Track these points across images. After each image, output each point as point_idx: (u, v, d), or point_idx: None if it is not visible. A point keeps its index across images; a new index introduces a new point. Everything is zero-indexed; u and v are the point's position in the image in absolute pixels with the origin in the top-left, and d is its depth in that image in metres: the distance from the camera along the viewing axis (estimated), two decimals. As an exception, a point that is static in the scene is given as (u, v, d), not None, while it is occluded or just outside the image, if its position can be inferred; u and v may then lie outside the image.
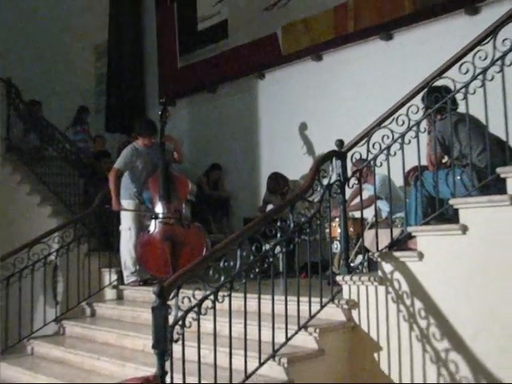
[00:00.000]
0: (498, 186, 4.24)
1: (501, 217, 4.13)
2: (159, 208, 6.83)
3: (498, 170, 4.20)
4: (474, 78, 4.32)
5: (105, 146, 9.91)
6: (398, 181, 5.59)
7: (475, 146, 4.63)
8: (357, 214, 5.51)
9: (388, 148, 4.74)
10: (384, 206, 6.08)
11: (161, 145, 6.99)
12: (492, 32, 4.28)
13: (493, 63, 4.25)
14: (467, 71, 4.33)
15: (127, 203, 6.84)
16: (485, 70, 4.28)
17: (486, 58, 4.26)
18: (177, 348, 3.70)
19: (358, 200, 5.23)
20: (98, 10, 11.33)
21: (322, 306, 4.71)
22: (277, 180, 7.94)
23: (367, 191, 5.58)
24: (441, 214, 4.61)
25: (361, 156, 4.92)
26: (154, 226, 6.82)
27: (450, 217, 4.55)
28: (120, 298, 6.99)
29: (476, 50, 4.32)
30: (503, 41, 4.20)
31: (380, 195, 5.83)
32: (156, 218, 6.77)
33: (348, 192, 5.03)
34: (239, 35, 9.17)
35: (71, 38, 11.58)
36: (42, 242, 6.61)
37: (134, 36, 11.11)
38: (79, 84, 11.73)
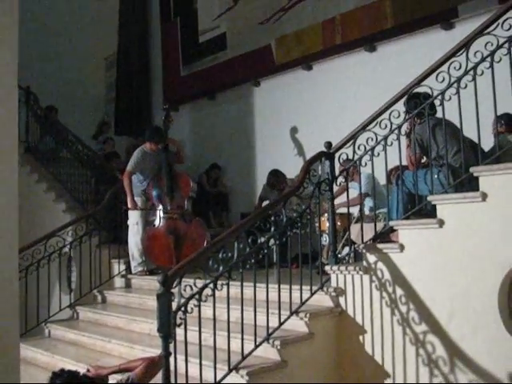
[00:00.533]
0: (472, 184, 4.25)
1: (474, 211, 4.14)
2: (164, 204, 6.83)
3: (472, 169, 4.20)
4: (450, 86, 4.33)
5: (114, 148, 9.88)
6: (381, 179, 5.60)
7: (451, 148, 4.63)
8: (344, 210, 5.50)
9: (372, 149, 4.74)
10: (368, 202, 6.08)
11: (164, 147, 6.99)
12: (465, 45, 4.28)
13: (466, 73, 4.25)
14: (443, 80, 4.34)
15: (135, 200, 6.82)
16: (459, 79, 4.29)
17: (460, 68, 4.26)
18: (179, 332, 3.71)
19: (344, 198, 5.22)
20: (108, 24, 11.30)
21: (312, 294, 4.71)
22: (277, 176, 7.91)
23: (354, 190, 5.56)
24: (420, 209, 4.61)
25: (347, 156, 4.93)
26: (159, 221, 6.83)
27: (428, 212, 4.55)
28: (128, 286, 6.98)
29: (451, 60, 4.33)
30: (475, 53, 4.21)
31: (367, 192, 5.83)
32: (164, 212, 6.78)
33: (336, 189, 5.02)
34: (237, 47, 9.14)
35: (84, 51, 11.53)
36: (57, 236, 6.62)
37: (141, 48, 11.08)
38: (91, 92, 11.71)
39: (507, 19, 4.06)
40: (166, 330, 3.62)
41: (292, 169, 7.73)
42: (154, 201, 6.88)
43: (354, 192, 5.52)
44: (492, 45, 4.14)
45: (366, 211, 5.95)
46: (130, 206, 6.77)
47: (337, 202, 5.26)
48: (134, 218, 6.86)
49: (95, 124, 10.97)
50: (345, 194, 5.12)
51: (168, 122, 7.17)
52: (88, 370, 3.69)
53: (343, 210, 5.58)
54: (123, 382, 3.46)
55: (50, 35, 11.13)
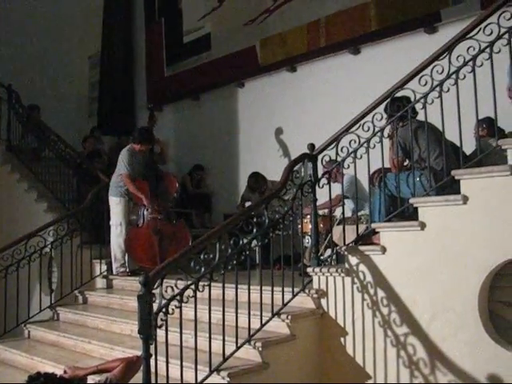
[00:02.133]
0: (453, 187, 4.27)
1: (455, 214, 4.16)
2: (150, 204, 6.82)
3: (453, 172, 4.23)
4: (432, 89, 4.35)
5: (95, 146, 9.78)
6: (364, 181, 5.61)
7: (433, 151, 4.66)
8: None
9: (355, 152, 4.76)
10: (350, 204, 6.09)
11: (150, 147, 6.98)
12: (448, 49, 4.31)
13: (448, 76, 4.28)
14: (426, 83, 4.36)
15: (118, 200, 6.79)
16: (441, 83, 4.31)
17: (442, 72, 4.29)
18: (161, 333, 3.69)
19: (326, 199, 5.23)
20: (92, 23, 11.25)
21: (294, 295, 4.71)
22: (257, 179, 7.94)
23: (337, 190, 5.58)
24: (402, 211, 4.63)
25: (330, 158, 4.93)
26: (143, 221, 6.80)
27: (410, 214, 4.57)
28: (109, 286, 6.93)
29: (434, 64, 4.35)
30: (457, 57, 4.24)
31: (347, 194, 5.83)
32: (148, 213, 6.78)
33: (318, 191, 5.02)
34: (221, 47, 9.14)
35: (68, 49, 11.49)
36: (38, 235, 6.54)
37: (125, 47, 11.04)
38: (74, 90, 11.67)
39: (489, 24, 4.09)
40: (147, 331, 3.59)
41: (275, 170, 7.67)
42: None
43: (336, 194, 5.54)
44: (474, 49, 4.17)
45: (348, 213, 5.96)
46: (149, 206, 6.71)
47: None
48: (117, 219, 6.81)
49: (78, 123, 10.92)
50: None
51: (152, 122, 7.15)
52: (65, 372, 3.66)
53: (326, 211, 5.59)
54: (101, 383, 3.44)
55: (33, 33, 11.06)
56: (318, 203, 5.05)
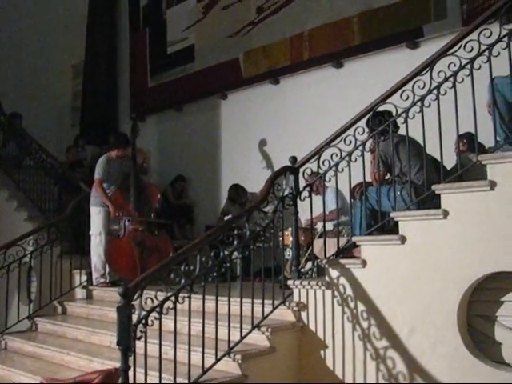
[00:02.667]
0: (434, 201, 4.30)
1: (435, 228, 4.19)
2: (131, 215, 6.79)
3: (433, 186, 4.26)
4: (414, 104, 4.40)
5: (78, 156, 9.73)
6: (346, 195, 5.63)
7: (413, 165, 4.70)
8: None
9: (336, 165, 4.78)
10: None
11: (132, 157, 6.95)
12: (429, 64, 4.36)
13: (430, 92, 4.33)
14: (407, 98, 4.40)
15: (98, 210, 6.76)
16: (423, 98, 4.36)
17: (424, 87, 4.33)
18: (140, 344, 3.65)
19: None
20: (75, 32, 11.20)
21: (274, 308, 4.70)
22: (237, 190, 7.98)
23: (329, 203, 5.58)
24: (382, 225, 4.66)
25: (312, 171, 4.95)
26: (124, 232, 6.76)
27: (391, 228, 4.60)
28: (89, 297, 6.87)
29: (415, 79, 4.40)
30: (438, 73, 4.29)
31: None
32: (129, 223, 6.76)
33: (300, 204, 5.03)
34: (204, 59, 9.16)
35: (51, 58, 11.45)
36: (17, 245, 6.47)
37: (109, 57, 11.00)
38: (57, 99, 11.60)
39: (469, 41, 4.14)
40: (126, 342, 3.56)
41: (258, 182, 7.71)
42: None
43: (329, 205, 5.54)
44: (455, 65, 4.22)
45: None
46: (112, 214, 6.69)
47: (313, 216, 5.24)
48: (96, 229, 6.77)
49: (61, 132, 10.85)
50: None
51: (135, 133, 7.14)
52: None
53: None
54: None
55: (16, 41, 11.04)
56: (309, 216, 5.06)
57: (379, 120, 4.65)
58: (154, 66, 10.08)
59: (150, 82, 10.14)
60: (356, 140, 4.67)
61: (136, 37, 10.55)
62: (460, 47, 4.21)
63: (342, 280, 4.58)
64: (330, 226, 5.54)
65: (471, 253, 4.01)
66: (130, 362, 3.59)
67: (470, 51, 4.12)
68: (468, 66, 4.18)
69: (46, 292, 6.71)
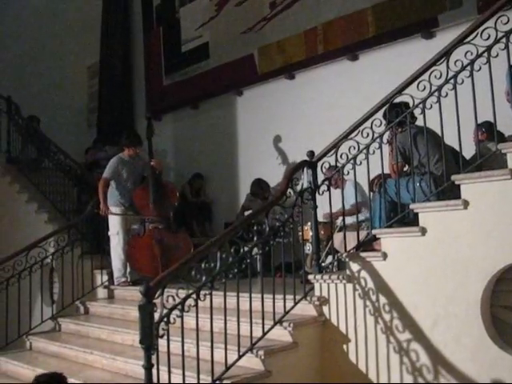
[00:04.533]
0: (453, 192, 4.27)
1: (456, 219, 4.16)
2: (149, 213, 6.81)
3: (453, 177, 4.22)
4: (430, 94, 4.36)
5: (97, 156, 9.80)
6: (364, 187, 5.61)
7: (432, 156, 4.66)
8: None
9: (354, 158, 4.76)
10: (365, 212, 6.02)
11: (149, 156, 6.98)
12: (445, 54, 4.31)
13: (447, 81, 4.29)
14: (424, 88, 4.36)
15: (114, 210, 6.80)
16: (440, 88, 4.32)
17: (440, 77, 4.29)
18: (162, 342, 3.67)
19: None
20: (90, 34, 11.27)
21: (296, 303, 4.70)
22: (260, 185, 7.96)
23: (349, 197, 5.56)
24: (402, 217, 4.63)
25: (330, 165, 4.93)
26: (144, 230, 6.80)
27: (411, 220, 4.56)
28: (111, 297, 6.91)
29: (432, 69, 4.36)
30: (455, 62, 4.24)
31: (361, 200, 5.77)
32: (149, 222, 6.79)
33: (318, 198, 5.01)
34: (219, 56, 9.15)
35: (66, 60, 11.53)
36: (38, 246, 6.54)
37: (124, 57, 11.04)
38: (74, 101, 11.68)
39: (486, 29, 4.09)
40: (149, 341, 3.58)
41: (275, 178, 7.75)
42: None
43: (349, 199, 5.52)
44: (472, 54, 4.18)
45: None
46: (102, 210, 6.77)
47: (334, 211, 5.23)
48: (114, 228, 6.81)
49: (78, 133, 10.93)
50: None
51: (151, 132, 7.16)
52: None
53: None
54: None
55: (32, 44, 11.12)
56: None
57: (396, 111, 4.62)
58: (169, 65, 10.09)
59: (165, 80, 10.15)
60: (373, 132, 4.64)
61: (150, 36, 10.57)
62: (476, 35, 4.17)
63: (363, 273, 4.56)
64: (352, 219, 5.47)
65: (493, 243, 3.97)
66: (153, 361, 3.61)
67: (487, 39, 4.07)
68: (485, 54, 4.13)
69: (68, 292, 6.77)
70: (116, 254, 6.79)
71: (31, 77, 10.81)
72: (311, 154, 5.00)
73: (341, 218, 5.57)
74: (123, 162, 6.91)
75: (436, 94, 4.34)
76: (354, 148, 4.75)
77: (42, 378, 3.26)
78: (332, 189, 5.11)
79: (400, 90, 4.58)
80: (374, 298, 4.48)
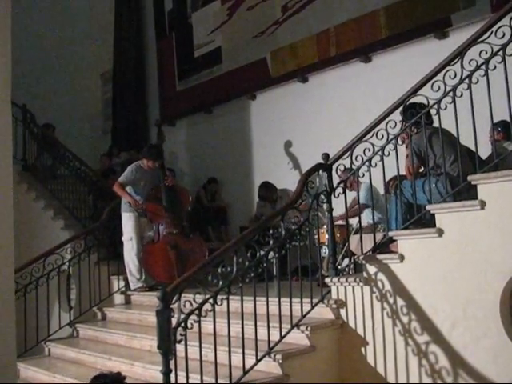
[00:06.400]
0: (470, 192, 4.23)
1: (473, 220, 4.12)
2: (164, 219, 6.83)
3: (469, 177, 4.19)
4: (445, 94, 4.33)
5: (112, 163, 9.86)
6: (379, 189, 5.58)
7: (448, 157, 4.62)
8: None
9: (369, 160, 4.74)
10: (369, 214, 6.02)
11: (161, 165, 7.05)
12: (460, 53, 4.29)
13: (461, 81, 4.26)
14: (439, 89, 4.34)
15: (128, 216, 6.83)
16: (454, 88, 4.29)
17: (455, 77, 4.27)
18: (180, 348, 3.68)
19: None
20: (104, 41, 11.36)
21: (313, 306, 4.69)
22: (267, 187, 7.98)
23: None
24: (419, 219, 4.60)
25: (345, 167, 4.92)
26: (159, 236, 6.81)
27: (427, 221, 4.54)
28: (128, 302, 6.94)
29: (446, 69, 4.33)
30: (470, 61, 4.22)
31: (367, 203, 5.77)
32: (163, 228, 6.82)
33: (334, 200, 5.00)
34: (232, 60, 9.17)
35: (80, 67, 11.60)
36: (55, 253, 6.58)
37: (137, 63, 11.10)
38: (88, 108, 11.75)
39: (501, 27, 4.06)
40: (166, 346, 3.58)
41: (289, 181, 7.72)
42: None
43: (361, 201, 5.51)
44: (486, 53, 4.15)
45: (365, 222, 5.91)
46: (135, 206, 6.75)
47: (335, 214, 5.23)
48: (127, 234, 6.83)
49: (93, 140, 11.00)
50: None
51: (161, 138, 7.21)
52: None
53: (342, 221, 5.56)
54: None
55: (46, 53, 11.19)
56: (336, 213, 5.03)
57: (411, 113, 4.60)
58: (182, 70, 10.12)
59: (178, 86, 10.19)
60: (388, 134, 4.62)
61: (163, 42, 10.62)
62: (491, 34, 4.13)
63: (380, 275, 4.54)
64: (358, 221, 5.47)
65: (511, 243, 3.93)
66: (171, 366, 3.61)
67: (502, 37, 4.04)
68: (500, 53, 4.10)
69: (86, 298, 6.81)
70: (130, 260, 6.81)
71: (46, 85, 10.87)
72: (326, 156, 4.99)
73: (356, 220, 5.55)
74: (141, 170, 6.95)
75: (451, 94, 4.31)
76: (369, 150, 4.73)
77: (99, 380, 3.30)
78: (347, 191, 5.09)
79: (414, 91, 4.55)
80: (391, 300, 4.46)
